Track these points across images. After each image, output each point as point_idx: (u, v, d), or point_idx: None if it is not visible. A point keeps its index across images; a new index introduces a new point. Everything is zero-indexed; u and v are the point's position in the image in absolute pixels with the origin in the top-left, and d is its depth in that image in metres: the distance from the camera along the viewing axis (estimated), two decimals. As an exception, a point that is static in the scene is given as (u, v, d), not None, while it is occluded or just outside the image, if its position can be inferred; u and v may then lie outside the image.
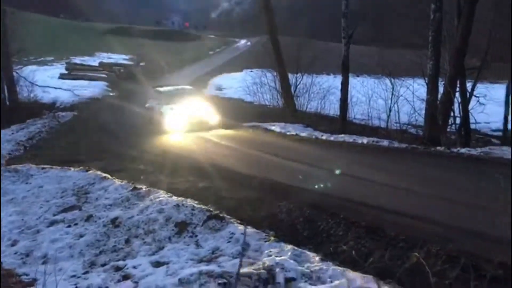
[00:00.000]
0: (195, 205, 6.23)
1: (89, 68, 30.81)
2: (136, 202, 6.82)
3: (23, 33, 25.19)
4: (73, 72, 28.96)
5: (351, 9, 16.53)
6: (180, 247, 5.23)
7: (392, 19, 24.79)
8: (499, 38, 15.37)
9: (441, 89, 12.71)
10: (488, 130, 17.49)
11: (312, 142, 12.27)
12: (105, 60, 34.78)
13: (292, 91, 18.61)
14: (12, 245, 5.99)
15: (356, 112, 17.92)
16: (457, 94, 13.13)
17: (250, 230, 5.47)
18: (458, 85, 13.01)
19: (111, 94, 25.61)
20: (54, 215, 6.91)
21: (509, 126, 14.38)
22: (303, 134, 13.41)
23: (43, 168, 9.99)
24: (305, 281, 4.32)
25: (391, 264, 4.60)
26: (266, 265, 4.48)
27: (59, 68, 30.70)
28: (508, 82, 14.49)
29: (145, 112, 16.21)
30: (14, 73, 20.10)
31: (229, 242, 5.16)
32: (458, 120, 13.41)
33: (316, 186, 7.45)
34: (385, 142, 11.31)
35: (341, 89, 15.78)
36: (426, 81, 12.88)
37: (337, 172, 8.28)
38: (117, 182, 7.97)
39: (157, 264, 4.84)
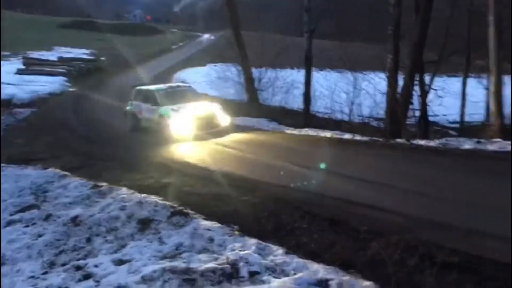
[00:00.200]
0: (159, 201, 6.16)
1: (47, 63, 29.82)
2: (97, 200, 6.67)
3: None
4: (31, 67, 27.99)
5: (313, 4, 16.68)
6: (143, 244, 5.16)
7: (354, 13, 25.20)
8: (455, 33, 15.88)
9: (401, 83, 13.01)
10: (445, 122, 18.05)
11: (278, 137, 12.32)
12: (64, 55, 33.76)
13: (256, 85, 18.63)
14: (-34, 247, 5.75)
15: (320, 106, 18.13)
16: (417, 88, 13.47)
17: (214, 225, 5.46)
18: (417, 79, 13.34)
19: (71, 89, 24.91)
20: (11, 214, 6.68)
21: (466, 118, 14.89)
22: (266, 128, 13.49)
23: (-1, 167, 9.62)
24: (269, 274, 4.35)
25: (353, 255, 4.69)
26: (230, 259, 4.49)
27: (16, 63, 29.59)
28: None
29: (120, 115, 14.11)
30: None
31: (193, 237, 5.12)
32: (417, 113, 13.77)
33: (280, 180, 7.50)
34: (347, 135, 11.49)
35: (305, 83, 15.92)
36: (387, 74, 13.15)
37: (303, 165, 8.36)
38: (77, 180, 7.77)
39: (119, 262, 4.76)
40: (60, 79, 26.43)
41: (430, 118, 13.99)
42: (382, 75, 14.65)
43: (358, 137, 11.14)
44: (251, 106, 17.32)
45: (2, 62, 30.06)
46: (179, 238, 5.19)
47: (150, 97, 12.80)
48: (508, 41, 10.82)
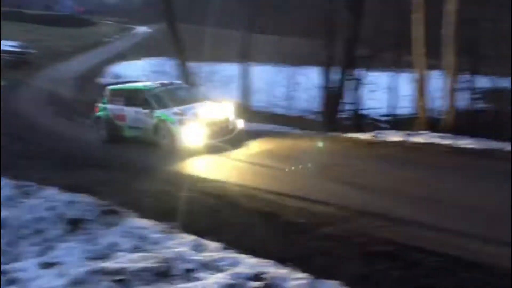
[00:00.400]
0: (89, 200, 5.93)
1: (-31, 56, 27.80)
2: (23, 201, 6.32)
3: None
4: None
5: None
6: (73, 246, 4.94)
7: (290, 8, 25.49)
8: (388, 29, 16.48)
9: (335, 77, 13.36)
10: (378, 116, 18.74)
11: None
12: (-12, 47, 31.61)
13: (194, 79, 18.39)
14: None
15: (258, 100, 18.21)
16: (350, 82, 13.89)
17: (149, 222, 5.34)
18: (350, 73, 13.75)
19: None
20: None
21: (397, 111, 15.52)
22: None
23: None
24: (205, 271, 4.31)
25: (289, 248, 4.75)
26: (164, 257, 4.40)
27: None
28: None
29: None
30: None
31: (125, 237, 4.98)
32: (351, 107, 14.21)
33: (216, 175, 7.46)
34: (284, 129, 11.64)
35: (243, 77, 15.94)
36: (322, 69, 13.46)
37: (240, 159, 8.34)
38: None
39: (46, 266, 4.53)
40: (-17, 73, 24.73)
41: (363, 112, 14.49)
42: (317, 70, 14.96)
43: (294, 131, 11.31)
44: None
45: None
46: (112, 237, 5.03)
47: (138, 98, 10.16)
48: (432, 37, 11.41)
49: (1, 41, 34.99)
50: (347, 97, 13.66)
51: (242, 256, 4.50)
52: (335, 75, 13.47)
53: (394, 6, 17.64)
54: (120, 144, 10.55)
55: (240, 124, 10.01)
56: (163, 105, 9.80)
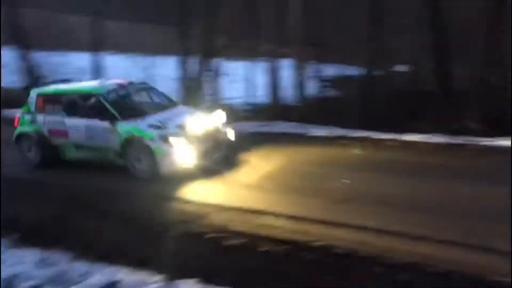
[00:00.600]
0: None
1: None
2: None
3: None
4: None
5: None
6: None
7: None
8: (243, 18, 16.75)
9: (194, 68, 13.27)
10: (239, 106, 19.07)
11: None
12: None
13: (39, 72, 16.74)
14: None
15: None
16: (209, 73, 13.87)
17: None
18: (209, 64, 13.73)
19: None
20: None
21: (257, 101, 15.86)
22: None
23: None
24: (52, 285, 3.96)
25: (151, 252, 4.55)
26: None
27: None
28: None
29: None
30: None
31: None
32: (211, 98, 14.21)
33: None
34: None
35: (95, 69, 15.02)
36: (179, 59, 13.26)
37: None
38: None
39: None
40: None
41: (224, 103, 14.60)
42: (174, 60, 14.62)
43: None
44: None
45: None
46: None
47: (87, 106, 7.44)
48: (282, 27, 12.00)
49: None
50: (207, 88, 13.62)
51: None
52: (194, 65, 13.37)
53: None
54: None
55: (231, 134, 7.67)
56: (129, 115, 7.15)
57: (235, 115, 10.72)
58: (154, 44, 17.76)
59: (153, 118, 7.13)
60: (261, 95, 14.09)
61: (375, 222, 4.71)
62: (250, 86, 13.77)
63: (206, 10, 13.15)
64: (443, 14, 10.48)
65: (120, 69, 16.26)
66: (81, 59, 17.52)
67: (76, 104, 7.52)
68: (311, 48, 13.15)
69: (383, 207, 5.11)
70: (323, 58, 14.20)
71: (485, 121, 8.98)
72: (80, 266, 4.28)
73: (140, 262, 4.28)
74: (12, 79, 16.53)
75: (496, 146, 7.29)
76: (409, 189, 5.63)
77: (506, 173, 5.56)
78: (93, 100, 7.35)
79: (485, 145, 7.39)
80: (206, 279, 3.92)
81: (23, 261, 4.36)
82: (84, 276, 4.12)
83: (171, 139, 6.68)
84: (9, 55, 16.56)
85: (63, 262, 4.34)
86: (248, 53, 15.65)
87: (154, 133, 6.76)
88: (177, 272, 4.02)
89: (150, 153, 6.72)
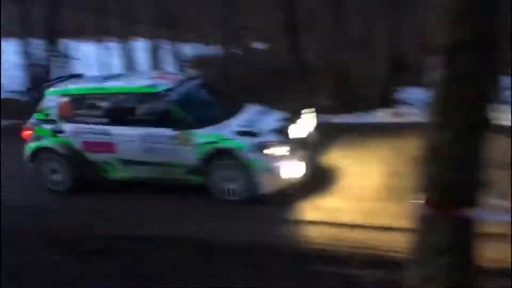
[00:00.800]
0: None
1: None
2: None
3: None
4: None
5: None
6: None
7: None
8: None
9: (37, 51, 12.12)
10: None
11: None
12: None
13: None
14: None
15: None
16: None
17: None
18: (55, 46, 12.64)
19: None
20: None
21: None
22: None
23: None
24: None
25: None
26: None
27: None
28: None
29: None
30: None
31: None
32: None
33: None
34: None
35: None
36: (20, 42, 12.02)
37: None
38: None
39: None
40: None
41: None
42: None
43: None
44: None
45: None
46: None
47: (142, 110, 5.88)
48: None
49: None
50: (56, 75, 12.45)
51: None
52: (37, 48, 12.16)
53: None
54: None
55: (314, 137, 6.39)
56: (203, 120, 5.70)
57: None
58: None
59: (237, 123, 5.78)
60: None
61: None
62: (105, 71, 12.87)
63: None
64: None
65: None
66: None
67: (123, 108, 5.91)
68: (165, 27, 12.78)
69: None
70: (179, 37, 13.84)
71: (335, 99, 9.71)
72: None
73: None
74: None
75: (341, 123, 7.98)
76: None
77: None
78: (148, 102, 5.80)
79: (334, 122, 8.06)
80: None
81: None
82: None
83: (272, 150, 5.46)
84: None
85: None
86: (98, 33, 14.58)
87: (247, 142, 5.47)
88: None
89: (245, 168, 5.43)
